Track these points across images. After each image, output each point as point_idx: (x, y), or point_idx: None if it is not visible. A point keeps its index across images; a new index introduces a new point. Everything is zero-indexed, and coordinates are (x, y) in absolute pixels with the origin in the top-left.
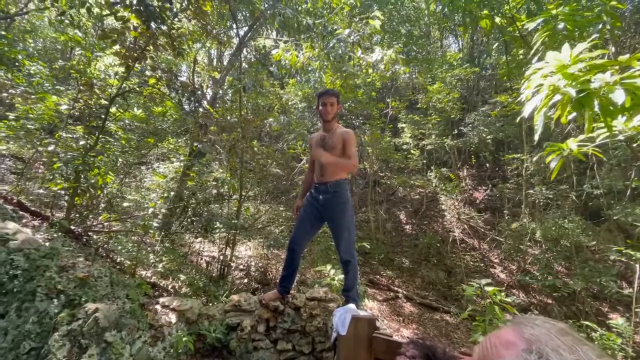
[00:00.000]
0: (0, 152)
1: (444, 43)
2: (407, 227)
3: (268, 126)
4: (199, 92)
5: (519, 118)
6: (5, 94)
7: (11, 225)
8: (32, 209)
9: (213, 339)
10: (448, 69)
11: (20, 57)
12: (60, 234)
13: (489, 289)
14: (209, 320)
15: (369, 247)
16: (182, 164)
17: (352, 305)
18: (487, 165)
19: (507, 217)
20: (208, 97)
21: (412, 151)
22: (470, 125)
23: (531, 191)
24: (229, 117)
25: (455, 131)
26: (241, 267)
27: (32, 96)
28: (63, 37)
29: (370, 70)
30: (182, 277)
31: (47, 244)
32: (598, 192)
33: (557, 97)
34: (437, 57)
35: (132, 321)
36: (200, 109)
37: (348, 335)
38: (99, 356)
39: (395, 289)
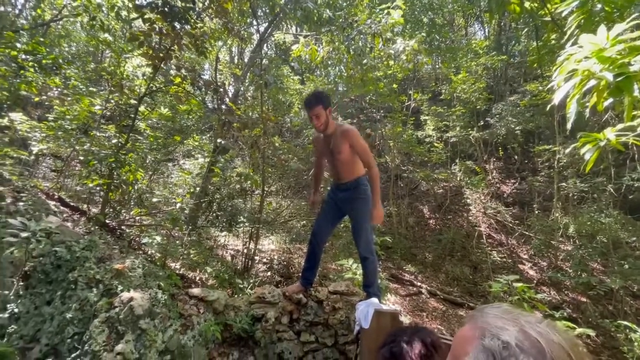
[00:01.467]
0: (42, 151)
1: (469, 31)
2: (431, 221)
3: (289, 122)
4: (222, 90)
5: (549, 106)
6: (44, 97)
7: (54, 220)
8: (71, 204)
9: (239, 329)
10: (473, 57)
11: (60, 61)
12: (96, 227)
13: (518, 285)
14: (234, 311)
15: (391, 241)
16: (206, 161)
17: (374, 300)
18: (516, 157)
19: (537, 212)
20: (230, 94)
21: (435, 144)
22: (498, 115)
23: (564, 184)
24: (250, 114)
25: (481, 122)
26: (264, 260)
27: (68, 98)
28: (94, 41)
29: (392, 62)
30: (209, 269)
31: (85, 237)
32: (639, 185)
33: (592, 82)
34: (462, 46)
35: (163, 310)
36: (223, 106)
37: (371, 329)
38: (134, 342)
39: (418, 284)
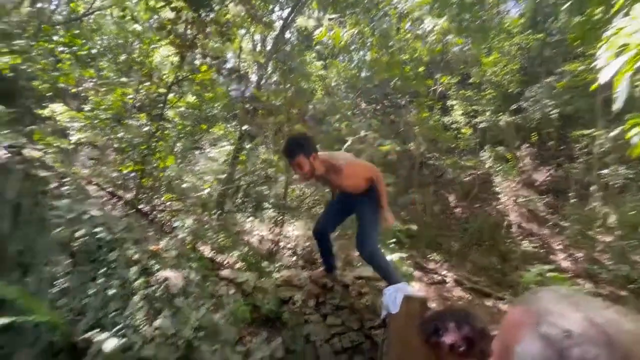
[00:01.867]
0: (80, 140)
1: (502, 8)
2: (457, 210)
3: (312, 109)
4: (246, 78)
5: (593, 87)
6: (81, 88)
7: (94, 203)
8: (108, 189)
9: (267, 310)
10: (506, 37)
11: (94, 52)
12: (131, 211)
13: (552, 275)
14: (262, 293)
15: (415, 229)
16: (232, 148)
17: (403, 285)
18: (551, 143)
19: (573, 201)
20: (253, 82)
21: (463, 130)
22: (532, 99)
23: (605, 171)
24: (274, 101)
25: (514, 106)
26: (289, 246)
27: (102, 88)
28: (124, 33)
29: (419, 44)
30: (236, 253)
31: (122, 220)
32: None
33: None
34: (494, 25)
35: (196, 290)
36: (248, 93)
37: (399, 314)
38: (170, 318)
39: (443, 272)
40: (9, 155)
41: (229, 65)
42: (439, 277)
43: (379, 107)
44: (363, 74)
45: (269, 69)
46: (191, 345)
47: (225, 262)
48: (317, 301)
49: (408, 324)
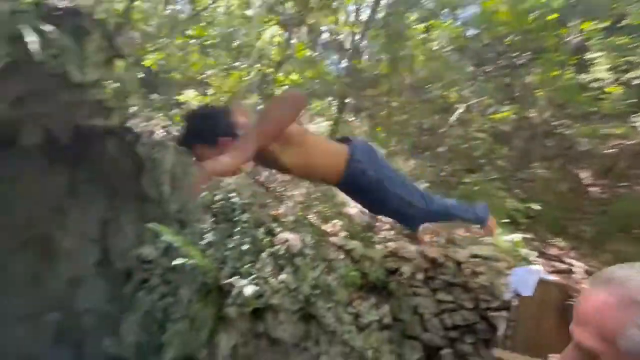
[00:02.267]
0: None
1: None
2: (592, 189)
3: (412, 77)
4: (343, 50)
5: None
6: (205, 74)
7: None
8: None
9: (374, 278)
10: None
11: (215, 42)
12: (252, 181)
13: None
14: (369, 261)
15: (536, 209)
16: (332, 121)
17: (536, 267)
18: None
19: None
20: (351, 54)
21: (607, 90)
22: None
23: None
24: (373, 72)
25: None
26: (386, 219)
27: (221, 74)
28: (236, 21)
29: None
30: (340, 222)
31: (248, 188)
32: None
33: None
34: None
35: (312, 252)
36: (346, 65)
37: (532, 298)
38: (292, 275)
39: (569, 261)
40: (164, 134)
41: (327, 39)
42: (564, 266)
43: (490, 69)
44: (470, 32)
45: (366, 39)
46: (309, 301)
47: (329, 231)
48: (426, 275)
49: (543, 308)
